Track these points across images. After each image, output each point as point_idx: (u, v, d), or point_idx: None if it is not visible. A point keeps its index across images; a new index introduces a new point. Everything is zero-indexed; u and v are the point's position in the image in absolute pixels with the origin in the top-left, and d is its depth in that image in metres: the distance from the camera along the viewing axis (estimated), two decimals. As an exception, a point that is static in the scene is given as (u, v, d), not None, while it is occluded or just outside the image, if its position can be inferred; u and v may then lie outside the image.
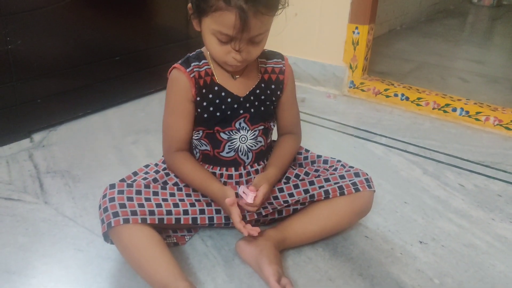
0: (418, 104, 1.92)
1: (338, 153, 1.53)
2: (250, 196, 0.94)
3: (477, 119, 1.79)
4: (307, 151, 1.17)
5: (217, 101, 1.00)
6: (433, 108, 1.88)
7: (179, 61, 1.01)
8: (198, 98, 1.00)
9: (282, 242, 1.01)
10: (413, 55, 2.67)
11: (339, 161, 1.12)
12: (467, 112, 1.81)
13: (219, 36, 0.89)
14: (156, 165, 1.09)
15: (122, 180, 1.00)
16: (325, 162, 1.13)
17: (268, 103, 1.05)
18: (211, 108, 1.00)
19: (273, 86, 1.05)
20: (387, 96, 1.99)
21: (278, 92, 1.06)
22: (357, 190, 1.04)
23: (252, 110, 1.02)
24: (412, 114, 1.90)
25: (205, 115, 1.00)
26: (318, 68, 2.11)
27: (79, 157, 1.44)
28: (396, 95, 1.97)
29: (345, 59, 2.05)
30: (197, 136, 1.04)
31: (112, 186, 0.94)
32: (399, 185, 1.36)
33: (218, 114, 1.00)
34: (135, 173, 1.06)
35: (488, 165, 1.50)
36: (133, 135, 1.60)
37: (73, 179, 1.32)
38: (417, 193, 1.33)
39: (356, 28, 1.99)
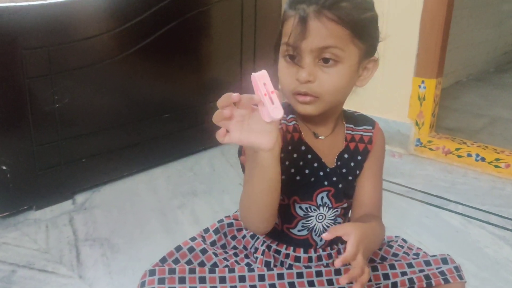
0: (496, 166, 1.71)
1: (408, 223, 1.34)
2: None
3: None
4: None
5: (301, 163, 0.84)
6: (515, 171, 1.66)
7: None
8: (282, 155, 0.82)
9: None
10: (484, 109, 2.47)
11: (419, 248, 0.94)
12: (558, 176, 1.58)
13: (283, 53, 0.78)
14: (203, 238, 0.94)
15: (163, 260, 0.86)
16: (403, 244, 0.95)
17: (351, 178, 0.88)
18: (293, 170, 0.83)
19: (359, 158, 0.88)
20: (459, 156, 1.80)
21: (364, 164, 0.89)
22: (446, 281, 0.85)
23: (340, 185, 0.86)
24: (490, 177, 1.70)
25: (283, 177, 0.81)
26: (381, 124, 1.89)
27: (121, 222, 1.35)
28: (469, 155, 1.77)
29: (410, 115, 1.89)
30: None
31: (152, 272, 0.81)
32: (485, 266, 1.16)
33: (298, 178, 0.84)
34: (178, 248, 0.90)
35: None
36: (180, 197, 1.49)
37: (111, 249, 1.21)
38: (510, 277, 1.11)
39: (423, 82, 1.84)
